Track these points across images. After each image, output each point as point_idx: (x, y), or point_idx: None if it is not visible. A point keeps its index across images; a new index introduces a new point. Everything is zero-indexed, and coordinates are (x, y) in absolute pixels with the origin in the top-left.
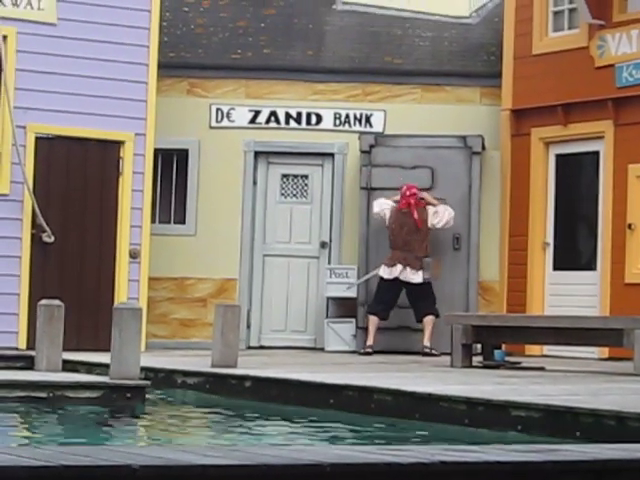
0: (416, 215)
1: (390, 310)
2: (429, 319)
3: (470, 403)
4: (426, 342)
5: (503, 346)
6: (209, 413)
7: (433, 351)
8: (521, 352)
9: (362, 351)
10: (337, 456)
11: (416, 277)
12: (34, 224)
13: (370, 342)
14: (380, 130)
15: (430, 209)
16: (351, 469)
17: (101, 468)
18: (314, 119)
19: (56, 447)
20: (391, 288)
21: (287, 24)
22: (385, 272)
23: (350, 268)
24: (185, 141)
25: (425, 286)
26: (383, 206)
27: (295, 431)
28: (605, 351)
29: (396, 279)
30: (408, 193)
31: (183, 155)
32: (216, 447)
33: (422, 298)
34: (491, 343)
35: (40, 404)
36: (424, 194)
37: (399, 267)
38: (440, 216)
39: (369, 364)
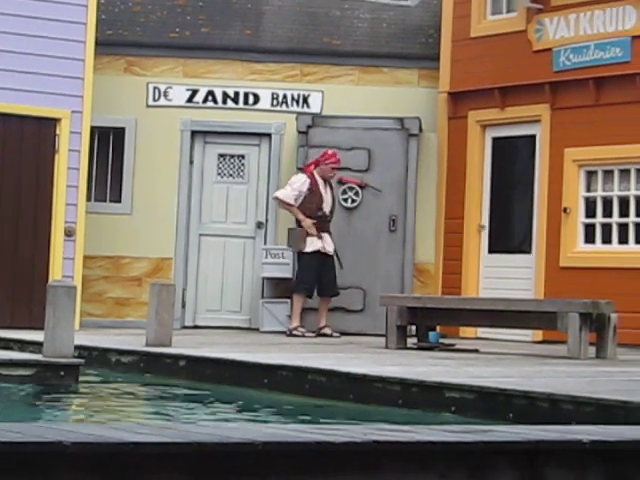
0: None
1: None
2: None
3: (404, 384)
4: (290, 323)
5: (438, 328)
6: (142, 392)
7: (295, 332)
8: (456, 334)
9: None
10: (269, 434)
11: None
12: None
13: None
14: (318, 111)
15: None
16: (283, 447)
17: (33, 444)
18: (251, 99)
19: None
20: None
21: (226, 3)
22: None
23: (286, 249)
24: (122, 119)
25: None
26: None
27: (226, 411)
28: (539, 334)
29: None
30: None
31: (120, 133)
32: (148, 425)
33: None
34: (426, 325)
35: None
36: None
37: None
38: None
39: (304, 345)
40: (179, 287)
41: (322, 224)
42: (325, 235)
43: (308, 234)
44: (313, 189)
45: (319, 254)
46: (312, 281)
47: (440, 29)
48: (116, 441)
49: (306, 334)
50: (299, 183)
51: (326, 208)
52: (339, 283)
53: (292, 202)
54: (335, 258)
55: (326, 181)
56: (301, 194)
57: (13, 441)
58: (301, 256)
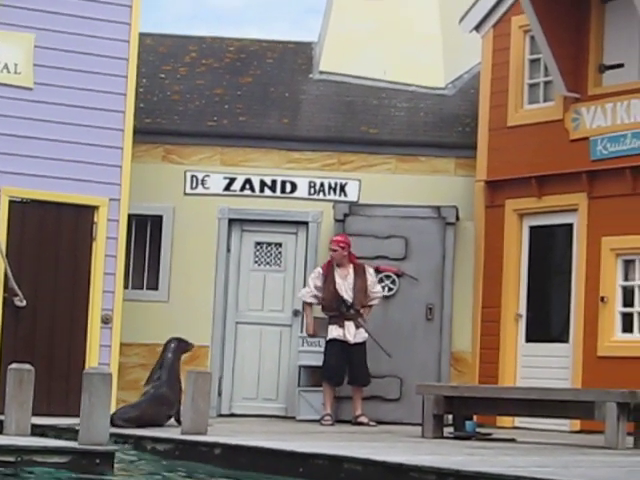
0: None
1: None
2: None
3: (440, 474)
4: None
5: (474, 417)
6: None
7: (322, 421)
8: (492, 423)
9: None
10: None
11: None
12: (6, 288)
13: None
14: (355, 199)
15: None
16: None
17: None
18: (289, 187)
19: None
20: None
21: (263, 92)
22: None
23: (323, 337)
24: (159, 207)
25: None
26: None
27: None
28: (577, 424)
29: None
30: None
31: (157, 221)
32: None
33: None
34: (462, 414)
35: (8, 468)
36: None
37: None
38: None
39: (340, 433)
40: (215, 375)
41: (343, 312)
42: (349, 324)
43: (329, 323)
44: (327, 278)
45: (341, 343)
46: (335, 369)
47: (477, 118)
48: None
49: (331, 424)
50: (312, 278)
51: (346, 295)
52: (376, 372)
53: (309, 300)
54: (379, 347)
55: (356, 268)
56: (317, 287)
57: None
58: (325, 344)
